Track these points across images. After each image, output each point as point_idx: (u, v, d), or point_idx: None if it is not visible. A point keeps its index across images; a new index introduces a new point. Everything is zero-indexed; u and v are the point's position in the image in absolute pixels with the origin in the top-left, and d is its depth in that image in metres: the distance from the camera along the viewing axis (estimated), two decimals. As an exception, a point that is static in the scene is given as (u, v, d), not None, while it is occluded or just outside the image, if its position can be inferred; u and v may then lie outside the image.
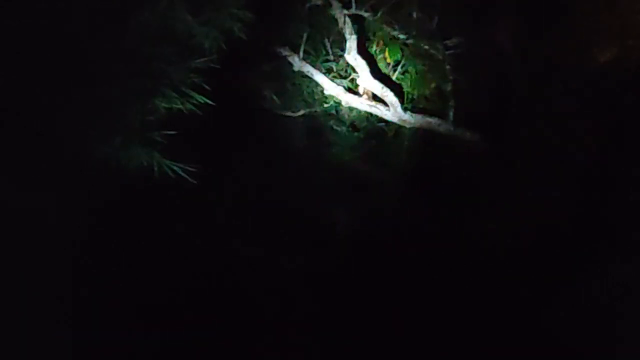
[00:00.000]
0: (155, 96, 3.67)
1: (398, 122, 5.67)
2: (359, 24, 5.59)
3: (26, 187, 3.53)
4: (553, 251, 4.97)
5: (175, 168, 3.58)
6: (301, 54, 5.62)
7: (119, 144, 3.51)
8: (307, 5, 5.44)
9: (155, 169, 3.57)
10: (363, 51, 5.65)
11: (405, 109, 5.60)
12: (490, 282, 5.04)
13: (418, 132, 5.71)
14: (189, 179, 3.58)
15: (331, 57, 5.85)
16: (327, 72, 5.81)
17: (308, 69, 5.63)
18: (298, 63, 5.60)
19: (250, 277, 5.22)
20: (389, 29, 5.65)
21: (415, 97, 5.85)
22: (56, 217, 3.71)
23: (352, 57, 5.53)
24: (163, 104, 3.65)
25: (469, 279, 5.13)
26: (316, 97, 5.87)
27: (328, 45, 5.79)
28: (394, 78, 5.89)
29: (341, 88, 5.68)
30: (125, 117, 3.56)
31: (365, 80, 5.60)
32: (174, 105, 3.71)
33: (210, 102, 3.83)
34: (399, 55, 5.85)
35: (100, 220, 4.33)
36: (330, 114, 5.96)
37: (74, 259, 4.07)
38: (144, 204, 4.71)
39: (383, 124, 5.86)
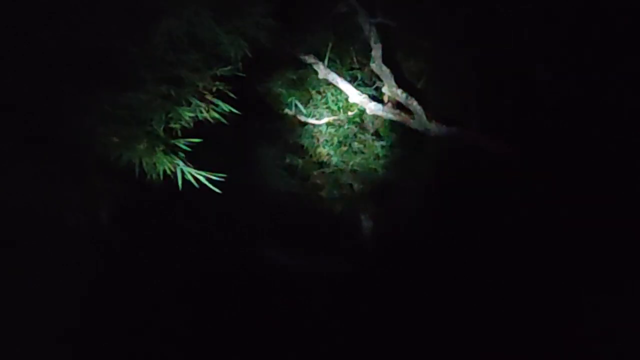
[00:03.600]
0: (180, 104, 3.67)
1: (422, 131, 5.63)
2: (384, 32, 5.56)
3: (48, 192, 3.55)
4: (576, 259, 4.93)
5: (198, 176, 3.57)
6: (326, 62, 5.61)
7: (142, 151, 3.51)
8: (333, 13, 5.43)
9: (179, 177, 3.56)
10: (388, 59, 5.63)
11: (429, 118, 5.57)
12: (513, 289, 5.01)
13: (443, 141, 5.68)
14: (213, 188, 3.57)
15: (356, 65, 5.85)
16: (352, 80, 5.81)
17: (333, 77, 5.62)
18: (323, 71, 5.59)
19: (274, 282, 5.24)
20: (414, 38, 5.63)
21: (439, 106, 5.81)
22: (79, 223, 3.73)
23: (377, 65, 5.52)
24: (188, 112, 3.65)
25: (491, 286, 5.09)
26: (341, 105, 5.86)
27: (353, 53, 5.80)
28: (418, 87, 5.87)
29: (366, 96, 5.66)
30: (149, 124, 3.56)
31: (390, 88, 5.59)
32: (199, 114, 3.71)
33: (235, 110, 3.82)
34: (423, 64, 5.83)
35: (124, 227, 4.36)
36: (354, 122, 5.96)
37: (97, 265, 4.09)
38: (170, 209, 4.74)
39: (407, 132, 5.83)
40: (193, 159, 3.69)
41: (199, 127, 3.78)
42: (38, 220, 3.62)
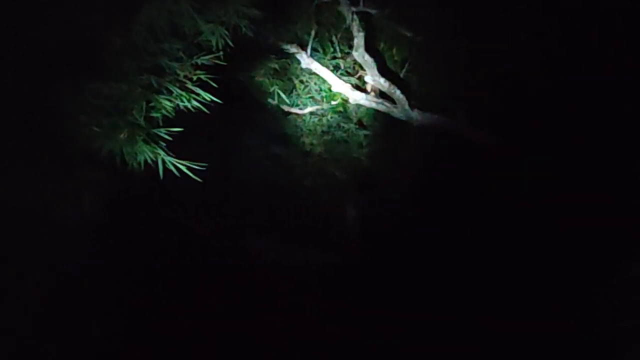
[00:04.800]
0: (161, 93, 3.66)
1: (405, 120, 5.65)
2: (366, 21, 5.57)
3: (31, 183, 3.53)
4: (560, 250, 4.95)
5: (180, 166, 3.57)
6: (309, 51, 5.61)
7: (123, 140, 3.50)
8: (315, 2, 5.42)
9: (160, 166, 3.56)
10: (371, 48, 5.64)
11: (412, 107, 5.59)
12: (496, 281, 5.01)
13: (425, 130, 5.69)
14: (194, 177, 3.57)
15: (339, 55, 5.85)
16: (335, 69, 5.81)
17: (316, 66, 5.62)
18: (306, 60, 5.59)
19: (258, 272, 5.22)
20: (396, 27, 5.64)
21: (422, 94, 5.84)
22: (61, 213, 3.71)
23: (360, 54, 5.52)
24: (168, 102, 3.64)
25: (475, 277, 5.10)
26: (324, 94, 5.86)
27: (336, 42, 5.79)
28: (401, 76, 5.89)
29: (349, 85, 5.68)
30: (130, 113, 3.55)
31: (373, 77, 5.60)
32: (180, 103, 3.70)
33: (216, 99, 3.81)
34: (406, 53, 5.84)
35: (107, 217, 4.33)
36: (337, 111, 5.96)
37: (80, 256, 4.06)
38: (152, 200, 4.72)
39: (390, 121, 5.84)
40: (176, 149, 3.68)
41: (183, 117, 3.77)
42: (21, 211, 3.60)
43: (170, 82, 3.72)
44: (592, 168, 5.01)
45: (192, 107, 3.78)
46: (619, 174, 4.96)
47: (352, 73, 5.87)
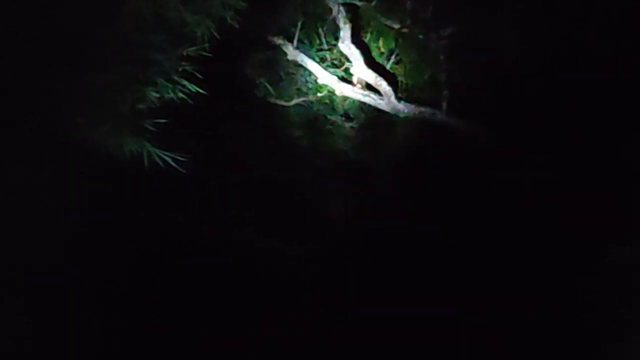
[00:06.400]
0: (146, 84, 3.65)
1: (392, 112, 5.65)
2: (353, 12, 5.56)
3: (16, 175, 3.51)
4: (548, 243, 4.97)
5: (165, 157, 3.56)
6: (295, 42, 5.59)
7: (109, 132, 3.49)
8: (301, -7, 5.42)
9: (145, 157, 3.55)
10: (357, 40, 5.63)
11: (399, 99, 5.59)
12: (484, 275, 5.03)
13: (412, 122, 5.70)
14: (179, 168, 3.56)
15: (325, 46, 5.83)
16: (321, 61, 5.78)
17: (302, 58, 5.60)
18: (292, 52, 5.58)
19: (243, 265, 5.21)
20: (383, 18, 5.63)
21: (409, 86, 5.84)
22: (46, 206, 3.69)
23: (346, 46, 5.52)
24: (154, 93, 3.63)
25: (463, 271, 5.11)
26: (310, 86, 5.85)
27: (322, 34, 5.77)
28: (387, 67, 5.87)
29: (335, 77, 5.66)
30: (115, 105, 3.54)
31: (359, 69, 5.59)
32: (165, 94, 3.69)
33: (202, 90, 3.80)
34: (393, 45, 5.83)
35: (94, 210, 4.31)
36: (324, 103, 5.95)
37: (65, 250, 4.04)
38: (138, 193, 4.69)
39: (377, 113, 5.84)
40: (161, 141, 3.67)
41: (168, 109, 3.76)
42: (9, 205, 3.58)
43: (155, 73, 3.71)
44: (592, 166, 5.03)
45: (177, 98, 3.77)
46: (618, 173, 4.98)
47: (339, 65, 5.85)
